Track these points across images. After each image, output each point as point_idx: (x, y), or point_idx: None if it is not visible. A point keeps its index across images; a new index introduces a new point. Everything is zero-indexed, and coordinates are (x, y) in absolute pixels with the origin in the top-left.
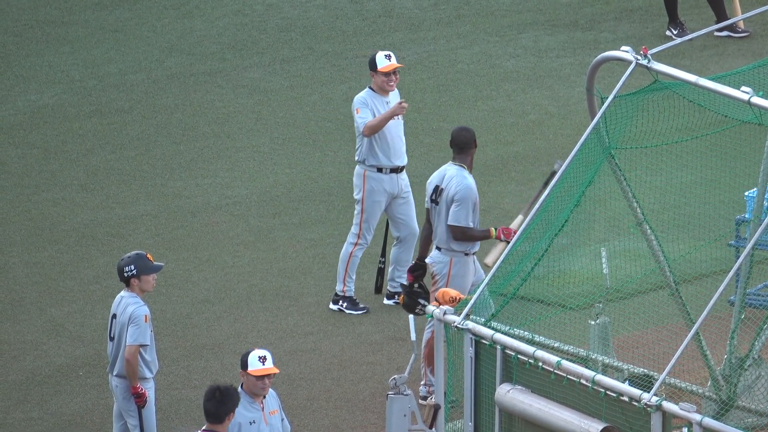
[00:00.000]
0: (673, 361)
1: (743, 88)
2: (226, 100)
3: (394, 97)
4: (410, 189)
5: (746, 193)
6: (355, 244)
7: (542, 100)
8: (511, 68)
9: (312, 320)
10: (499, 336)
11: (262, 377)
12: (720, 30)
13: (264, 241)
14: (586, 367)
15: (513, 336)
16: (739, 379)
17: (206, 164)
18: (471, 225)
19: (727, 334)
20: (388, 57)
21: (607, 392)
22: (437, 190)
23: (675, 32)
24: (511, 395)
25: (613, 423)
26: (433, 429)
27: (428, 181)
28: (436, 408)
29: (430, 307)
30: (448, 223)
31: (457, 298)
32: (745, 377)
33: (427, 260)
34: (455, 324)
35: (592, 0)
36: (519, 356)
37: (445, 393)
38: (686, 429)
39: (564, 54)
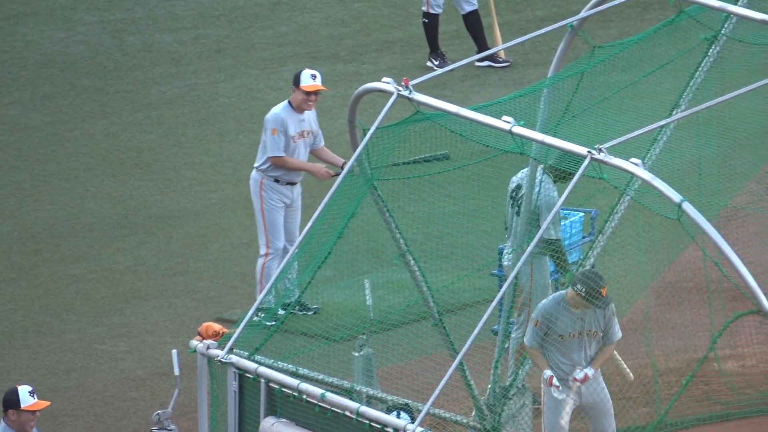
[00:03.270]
0: (437, 391)
1: (504, 117)
2: None
3: (309, 116)
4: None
5: None
6: (266, 255)
7: None
8: (273, 101)
9: (74, 357)
10: (263, 369)
11: (35, 412)
12: (481, 60)
13: (25, 277)
14: (351, 399)
15: (277, 369)
16: (504, 409)
17: None
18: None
19: (491, 363)
20: (314, 77)
21: (372, 424)
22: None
23: (436, 63)
24: (275, 428)
25: None
26: None
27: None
28: None
29: (193, 342)
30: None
31: (221, 332)
32: (509, 406)
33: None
34: (218, 358)
35: (352, 32)
36: (283, 389)
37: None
38: None
39: (325, 86)
